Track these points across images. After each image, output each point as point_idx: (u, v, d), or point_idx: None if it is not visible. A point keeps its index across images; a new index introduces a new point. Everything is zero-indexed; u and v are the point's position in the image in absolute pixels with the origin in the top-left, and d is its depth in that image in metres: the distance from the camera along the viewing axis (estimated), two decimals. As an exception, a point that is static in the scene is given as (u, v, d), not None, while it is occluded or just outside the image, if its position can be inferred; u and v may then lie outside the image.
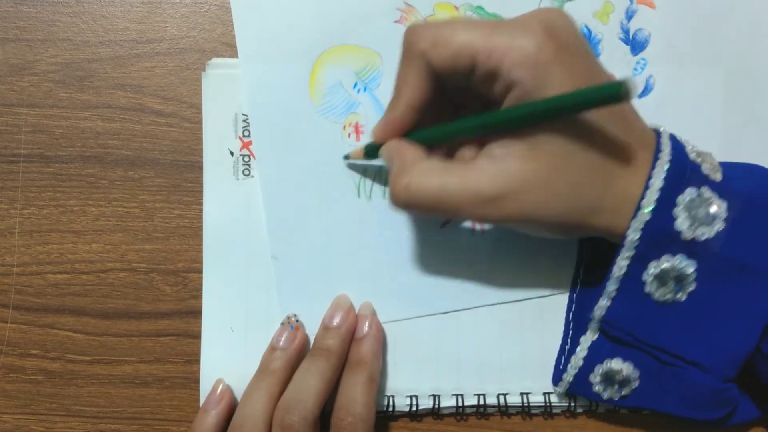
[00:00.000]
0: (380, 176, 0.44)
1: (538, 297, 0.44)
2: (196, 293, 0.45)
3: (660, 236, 0.35)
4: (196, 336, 0.44)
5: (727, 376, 0.38)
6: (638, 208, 0.35)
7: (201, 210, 0.45)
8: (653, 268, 0.36)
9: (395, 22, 0.44)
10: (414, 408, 0.44)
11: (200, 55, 0.46)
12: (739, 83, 0.44)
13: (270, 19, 0.44)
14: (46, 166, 0.45)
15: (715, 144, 0.45)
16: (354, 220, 0.44)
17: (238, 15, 0.44)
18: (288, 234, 0.44)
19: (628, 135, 0.35)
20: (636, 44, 0.45)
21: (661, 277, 0.36)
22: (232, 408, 0.42)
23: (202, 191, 0.45)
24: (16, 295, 0.45)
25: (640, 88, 0.44)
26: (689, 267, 0.36)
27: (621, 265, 0.37)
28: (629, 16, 0.45)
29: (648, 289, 0.37)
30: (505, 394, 0.43)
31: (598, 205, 0.35)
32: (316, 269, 0.44)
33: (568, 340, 0.43)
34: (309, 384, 0.39)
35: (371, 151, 0.41)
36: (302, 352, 0.42)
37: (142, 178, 0.45)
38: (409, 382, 0.44)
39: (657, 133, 0.37)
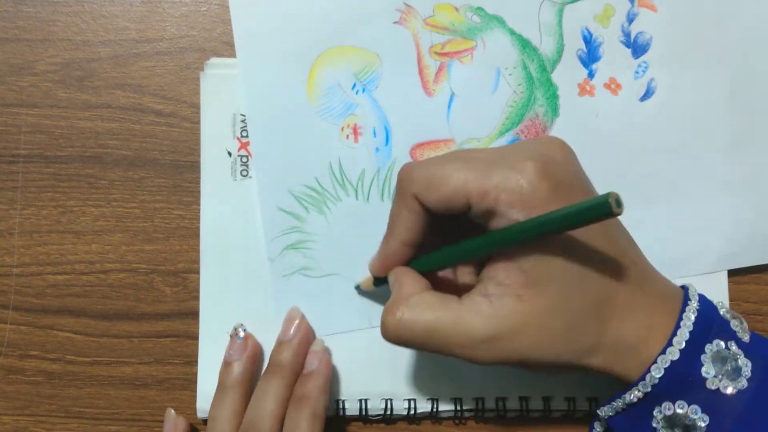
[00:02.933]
0: (378, 179, 0.44)
1: None
2: (196, 294, 0.44)
3: (683, 379, 0.34)
4: (196, 337, 0.44)
5: None
6: (668, 344, 0.34)
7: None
8: (666, 409, 0.34)
9: (395, 23, 0.44)
10: (412, 411, 0.44)
11: (200, 55, 0.45)
12: (742, 86, 0.44)
13: (268, 20, 0.44)
14: (45, 167, 0.45)
15: (720, 147, 0.44)
16: (351, 221, 0.44)
17: (237, 15, 0.44)
18: (284, 236, 0.44)
19: (629, 279, 0.35)
20: (637, 47, 0.44)
21: (671, 420, 0.35)
22: (257, 357, 0.43)
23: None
24: (16, 296, 0.45)
25: (642, 92, 0.44)
26: (701, 421, 0.34)
27: (634, 395, 0.35)
28: (630, 19, 0.44)
29: (654, 424, 0.35)
30: (504, 398, 0.43)
31: (592, 347, 0.34)
32: (312, 271, 0.44)
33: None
34: (266, 408, 0.40)
35: (378, 281, 0.41)
36: (257, 358, 0.43)
37: (142, 178, 0.45)
38: (406, 386, 0.44)
39: (684, 288, 0.36)
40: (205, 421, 0.44)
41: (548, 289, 0.33)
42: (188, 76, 0.45)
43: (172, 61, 0.45)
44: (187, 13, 0.46)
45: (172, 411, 0.43)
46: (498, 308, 0.34)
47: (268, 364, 0.42)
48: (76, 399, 0.45)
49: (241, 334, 0.43)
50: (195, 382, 0.44)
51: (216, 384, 0.43)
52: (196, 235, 0.45)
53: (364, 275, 0.42)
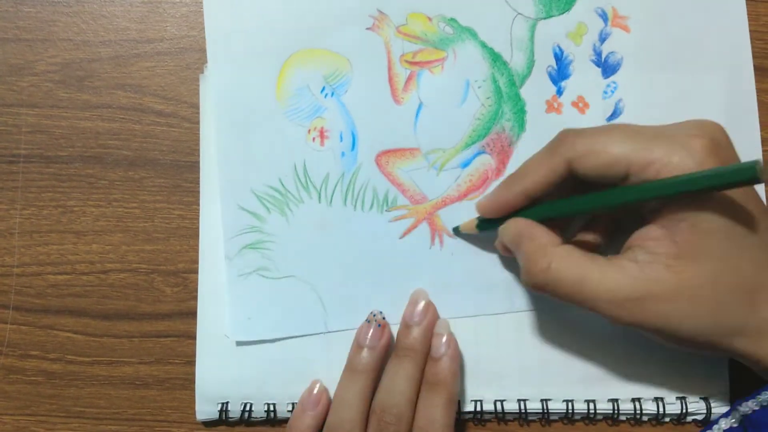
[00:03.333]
0: (342, 183, 0.44)
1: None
2: (197, 294, 0.44)
3: None
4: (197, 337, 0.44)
5: None
6: None
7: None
8: None
9: (367, 29, 0.44)
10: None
11: (200, 55, 0.45)
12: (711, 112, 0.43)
13: (242, 19, 0.44)
14: (46, 167, 0.45)
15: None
16: (312, 224, 0.44)
17: (210, 15, 0.44)
18: (243, 235, 0.44)
19: None
20: (608, 67, 0.44)
21: None
22: (328, 409, 0.42)
23: (201, 193, 0.45)
24: (16, 296, 0.45)
25: (609, 112, 0.44)
26: None
27: None
28: (603, 38, 0.44)
29: None
30: (502, 401, 0.43)
31: (739, 329, 0.35)
32: (269, 272, 0.44)
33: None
34: (399, 390, 0.40)
35: (483, 225, 0.42)
36: (389, 348, 0.42)
37: (142, 178, 0.45)
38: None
39: None
40: (204, 424, 0.44)
41: (700, 265, 0.34)
42: (188, 77, 0.45)
43: (172, 61, 0.45)
44: (188, 13, 0.46)
45: (320, 382, 0.43)
46: (647, 272, 0.34)
47: (398, 346, 0.42)
48: (76, 399, 0.45)
49: (380, 321, 0.42)
50: (195, 383, 0.44)
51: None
52: (196, 235, 0.45)
53: (325, 278, 0.43)
